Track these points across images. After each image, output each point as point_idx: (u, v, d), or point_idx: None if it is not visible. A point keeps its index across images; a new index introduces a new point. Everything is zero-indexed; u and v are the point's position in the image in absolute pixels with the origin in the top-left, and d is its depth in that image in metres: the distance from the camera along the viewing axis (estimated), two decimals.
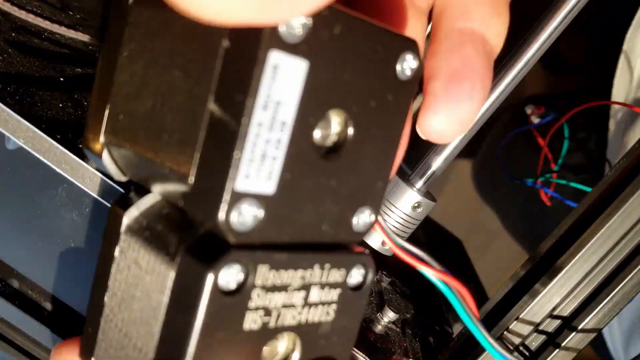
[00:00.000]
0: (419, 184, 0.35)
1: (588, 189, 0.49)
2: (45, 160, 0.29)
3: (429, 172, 0.35)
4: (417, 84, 0.24)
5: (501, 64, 0.31)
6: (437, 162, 0.34)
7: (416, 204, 0.35)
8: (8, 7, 0.38)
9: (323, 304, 0.22)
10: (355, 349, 0.31)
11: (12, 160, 0.31)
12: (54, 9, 0.44)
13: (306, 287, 0.21)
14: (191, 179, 0.19)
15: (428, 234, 0.64)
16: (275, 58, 0.18)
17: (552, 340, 0.31)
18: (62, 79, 0.36)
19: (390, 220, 0.35)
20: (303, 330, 0.22)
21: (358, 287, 0.23)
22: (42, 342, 0.33)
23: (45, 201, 0.32)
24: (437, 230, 0.75)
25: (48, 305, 0.34)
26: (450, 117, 0.24)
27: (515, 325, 0.32)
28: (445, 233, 0.77)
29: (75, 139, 0.30)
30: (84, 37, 0.44)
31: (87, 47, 0.44)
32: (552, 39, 0.31)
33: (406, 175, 0.36)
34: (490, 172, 0.82)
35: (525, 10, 0.36)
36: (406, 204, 0.35)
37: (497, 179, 0.81)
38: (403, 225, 0.35)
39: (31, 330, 0.33)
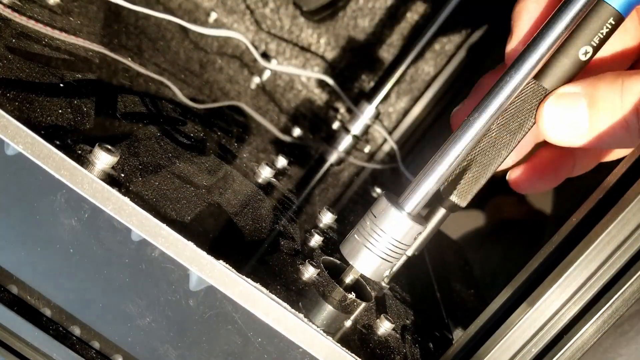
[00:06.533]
0: (409, 207, 0.35)
1: None
2: (44, 166, 0.29)
3: (420, 196, 0.34)
4: None
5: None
6: (428, 185, 0.34)
7: (409, 230, 0.35)
8: (9, 13, 0.39)
9: None
10: (354, 355, 0.31)
11: (11, 166, 0.31)
12: (54, 15, 0.45)
13: None
14: None
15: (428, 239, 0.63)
16: None
17: (551, 348, 0.31)
18: (61, 85, 0.36)
19: (379, 246, 0.35)
20: None
21: None
22: (41, 348, 0.33)
23: (44, 207, 0.32)
24: (436, 234, 0.74)
25: (47, 312, 0.34)
26: None
27: (514, 333, 0.32)
28: (444, 236, 0.77)
29: (74, 145, 0.30)
30: (84, 43, 0.44)
31: (88, 53, 0.44)
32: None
33: (396, 199, 0.35)
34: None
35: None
36: (397, 229, 0.35)
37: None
38: (393, 251, 0.35)
39: (30, 337, 0.33)
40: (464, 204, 0.38)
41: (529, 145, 0.40)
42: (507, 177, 0.41)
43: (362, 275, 0.38)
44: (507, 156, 0.36)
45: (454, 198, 0.37)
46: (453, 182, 0.37)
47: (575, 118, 0.32)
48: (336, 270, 0.39)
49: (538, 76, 0.33)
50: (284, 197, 0.46)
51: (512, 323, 0.32)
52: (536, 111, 0.34)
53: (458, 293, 0.57)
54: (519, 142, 0.35)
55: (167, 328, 0.33)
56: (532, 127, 0.35)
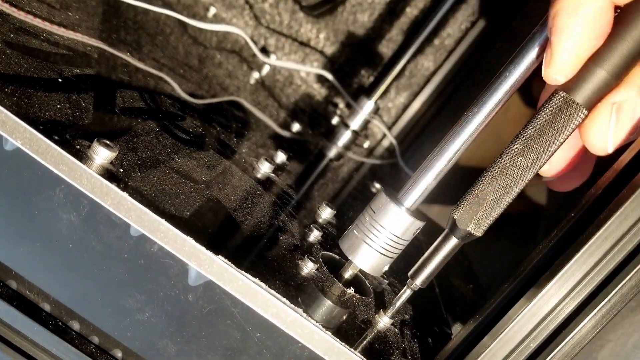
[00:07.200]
0: (408, 202, 0.35)
1: None
2: (42, 162, 0.29)
3: (420, 191, 0.34)
4: None
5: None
6: (427, 180, 0.34)
7: (408, 225, 0.35)
8: (7, 8, 0.38)
9: None
10: (352, 350, 0.31)
11: (9, 161, 0.31)
12: (53, 10, 0.44)
13: None
14: None
15: (427, 234, 0.64)
16: None
17: (550, 343, 0.31)
18: (60, 80, 0.36)
19: (378, 242, 0.35)
20: None
21: None
22: (40, 343, 0.33)
23: (43, 202, 0.32)
24: (436, 230, 0.75)
25: (46, 306, 0.34)
26: None
27: (513, 327, 0.32)
28: (442, 231, 0.77)
29: (72, 140, 0.30)
30: (82, 38, 0.44)
31: (86, 48, 0.44)
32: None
33: (395, 194, 0.35)
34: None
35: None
36: (396, 224, 0.35)
37: None
38: (392, 246, 0.35)
39: (29, 332, 0.33)
40: (479, 233, 0.33)
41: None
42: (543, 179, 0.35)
43: (361, 271, 0.38)
44: (529, 179, 0.31)
45: (470, 227, 0.32)
46: (469, 209, 0.32)
47: (633, 125, 0.29)
48: (335, 266, 0.39)
49: (569, 90, 0.30)
50: (283, 192, 0.46)
51: (511, 318, 0.32)
52: (575, 125, 0.30)
53: (457, 288, 0.57)
54: (544, 163, 0.31)
55: (166, 323, 0.33)
56: (562, 144, 0.30)
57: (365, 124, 0.75)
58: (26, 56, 0.35)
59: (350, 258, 0.36)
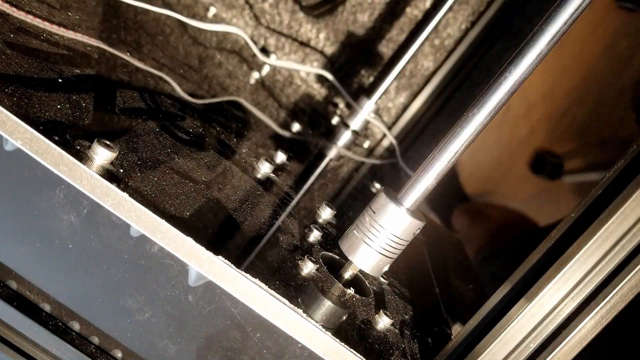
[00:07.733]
0: (408, 202, 0.35)
1: None
2: (42, 162, 0.29)
3: (419, 191, 0.34)
4: None
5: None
6: (427, 180, 0.34)
7: (408, 225, 0.35)
8: (7, 8, 0.38)
9: None
10: (352, 350, 0.31)
11: (9, 161, 0.31)
12: (53, 10, 0.44)
13: None
14: None
15: (427, 234, 0.64)
16: None
17: (550, 343, 0.31)
18: (60, 80, 0.36)
19: (378, 242, 0.35)
20: None
21: None
22: (40, 343, 0.33)
23: (43, 202, 0.32)
24: (436, 230, 0.75)
25: (46, 307, 0.34)
26: None
27: (513, 327, 0.32)
28: (443, 230, 0.77)
29: (72, 141, 0.30)
30: (83, 38, 0.44)
31: (86, 48, 0.44)
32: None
33: (395, 194, 0.35)
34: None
35: None
36: (396, 225, 0.35)
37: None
38: (392, 246, 0.35)
39: (29, 332, 0.33)
40: None
41: None
42: None
43: (361, 271, 0.38)
44: None
45: None
46: None
47: None
48: (335, 266, 0.39)
49: None
50: (283, 192, 0.46)
51: (511, 318, 0.32)
52: None
53: (457, 288, 0.57)
54: None
55: (166, 323, 0.33)
56: None
57: (365, 124, 0.75)
58: (26, 56, 0.35)
59: (350, 258, 0.36)
